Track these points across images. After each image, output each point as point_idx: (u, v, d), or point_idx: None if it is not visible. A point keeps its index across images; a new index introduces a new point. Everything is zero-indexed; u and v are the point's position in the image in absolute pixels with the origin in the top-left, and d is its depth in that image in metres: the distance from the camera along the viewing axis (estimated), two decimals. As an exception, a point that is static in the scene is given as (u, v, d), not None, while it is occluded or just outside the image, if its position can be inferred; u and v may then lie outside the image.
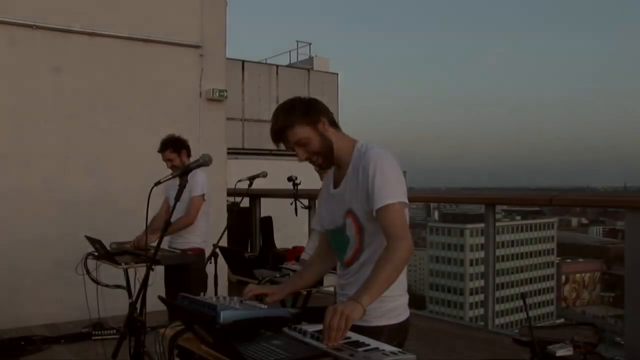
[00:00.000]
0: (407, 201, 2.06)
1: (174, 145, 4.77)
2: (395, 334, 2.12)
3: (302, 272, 2.50)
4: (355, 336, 1.86)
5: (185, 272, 4.53)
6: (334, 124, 2.17)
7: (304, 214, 7.14)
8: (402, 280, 2.12)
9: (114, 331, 5.71)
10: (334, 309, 1.78)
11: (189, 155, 4.84)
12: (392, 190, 2.02)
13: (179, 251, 4.57)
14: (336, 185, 2.22)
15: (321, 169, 2.31)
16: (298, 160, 2.20)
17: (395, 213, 2.01)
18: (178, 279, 4.65)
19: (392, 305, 2.13)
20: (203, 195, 4.69)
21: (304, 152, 2.14)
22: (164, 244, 4.67)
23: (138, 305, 2.80)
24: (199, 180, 4.63)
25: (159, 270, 5.42)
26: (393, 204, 2.01)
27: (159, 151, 4.82)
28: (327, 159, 2.17)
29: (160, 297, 2.14)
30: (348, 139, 2.20)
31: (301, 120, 2.09)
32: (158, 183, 2.96)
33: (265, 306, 2.10)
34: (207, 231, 4.87)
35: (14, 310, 6.40)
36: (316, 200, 2.45)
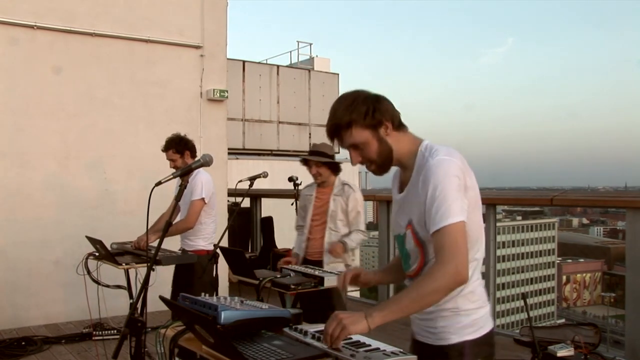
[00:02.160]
0: (463, 219, 1.78)
1: (177, 146, 4.73)
2: (478, 349, 1.94)
3: (392, 268, 2.23)
4: (356, 336, 1.86)
5: (193, 273, 4.55)
6: (399, 126, 1.94)
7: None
8: (478, 293, 1.94)
9: (115, 331, 5.71)
10: (335, 316, 1.73)
11: (193, 157, 4.79)
12: (447, 210, 1.77)
13: (179, 252, 4.58)
14: (401, 189, 2.01)
15: (374, 174, 2.04)
16: (351, 164, 2.00)
17: (447, 235, 1.76)
18: (185, 280, 4.66)
19: (469, 320, 1.92)
20: (203, 199, 4.65)
21: (357, 156, 1.93)
22: (178, 246, 4.80)
23: (139, 306, 2.79)
24: (199, 182, 4.60)
25: (160, 271, 5.41)
26: (447, 225, 1.76)
27: (162, 150, 4.80)
28: (383, 168, 1.96)
29: (161, 297, 2.14)
30: (412, 139, 1.96)
31: (361, 122, 1.87)
32: (159, 183, 2.96)
33: (267, 306, 2.10)
34: (214, 234, 4.85)
35: (14, 311, 6.40)
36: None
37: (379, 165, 1.95)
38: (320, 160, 4.35)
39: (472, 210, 1.85)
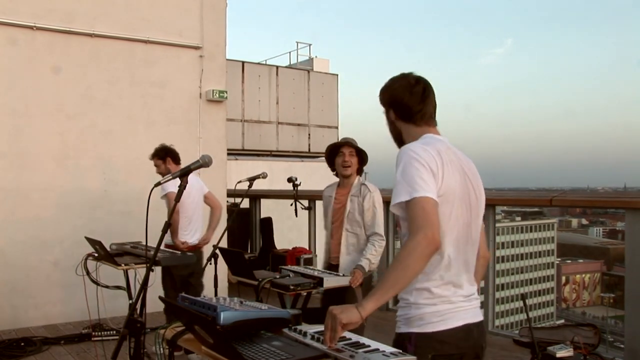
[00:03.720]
0: (427, 194, 1.88)
1: (158, 154, 5.36)
2: (425, 343, 1.95)
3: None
4: (355, 337, 1.86)
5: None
6: (406, 118, 2.16)
7: (304, 214, 7.14)
8: (435, 293, 1.97)
9: (114, 332, 5.71)
10: (330, 310, 1.79)
11: (175, 161, 5.36)
12: (408, 185, 1.90)
13: (179, 253, 4.60)
14: None
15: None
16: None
17: (413, 208, 1.87)
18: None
19: (418, 313, 1.97)
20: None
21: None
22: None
23: (138, 306, 2.79)
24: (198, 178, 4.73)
25: (159, 272, 5.44)
26: (411, 199, 1.88)
27: (149, 159, 5.42)
28: (396, 143, 2.22)
29: (160, 298, 2.14)
30: (420, 133, 2.14)
31: (381, 99, 2.22)
32: (158, 184, 2.96)
33: (266, 307, 2.10)
34: (184, 228, 5.26)
35: (13, 311, 6.40)
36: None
37: (394, 140, 2.23)
38: (355, 146, 4.21)
39: (442, 202, 1.93)
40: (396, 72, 2.21)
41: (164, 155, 5.37)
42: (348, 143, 4.22)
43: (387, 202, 7.04)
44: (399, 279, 1.80)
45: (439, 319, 1.96)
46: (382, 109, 2.22)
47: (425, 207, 1.86)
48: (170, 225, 2.71)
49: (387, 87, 2.17)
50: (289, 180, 5.79)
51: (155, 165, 5.39)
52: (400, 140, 2.17)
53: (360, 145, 4.27)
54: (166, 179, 2.78)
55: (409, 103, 2.12)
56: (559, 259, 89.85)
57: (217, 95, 7.61)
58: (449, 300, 1.99)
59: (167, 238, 5.10)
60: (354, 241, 4.17)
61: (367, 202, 4.15)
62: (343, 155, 4.20)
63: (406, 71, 2.18)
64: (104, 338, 5.60)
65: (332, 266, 4.26)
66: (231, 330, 1.83)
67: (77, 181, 6.82)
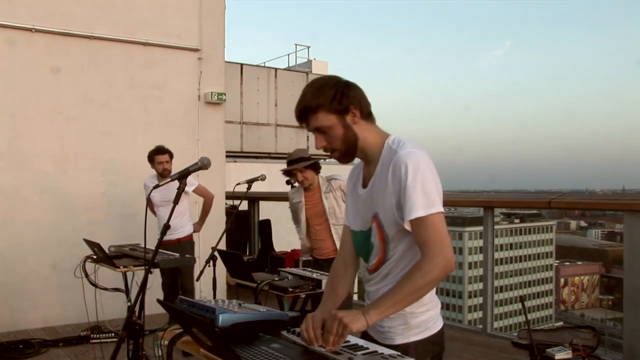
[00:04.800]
0: (442, 209, 1.79)
1: (170, 152, 5.70)
2: (424, 349, 1.93)
3: (334, 286, 2.15)
4: (354, 339, 1.86)
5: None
6: (368, 116, 1.92)
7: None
8: (429, 296, 1.91)
9: (113, 334, 5.70)
10: (335, 314, 1.73)
11: (151, 163, 5.67)
12: (427, 198, 1.77)
13: (177, 255, 4.60)
14: (365, 184, 1.98)
15: (338, 161, 2.02)
16: (315, 147, 1.96)
17: (431, 226, 1.76)
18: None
19: (417, 321, 1.93)
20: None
21: (322, 140, 1.91)
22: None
23: (137, 309, 2.79)
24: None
25: (158, 274, 5.44)
26: (428, 215, 1.76)
27: (157, 154, 5.70)
28: (346, 155, 1.94)
29: (159, 301, 2.13)
30: (380, 132, 1.95)
31: (328, 106, 1.86)
32: (157, 186, 2.96)
33: (265, 309, 2.10)
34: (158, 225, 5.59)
35: (12, 314, 6.39)
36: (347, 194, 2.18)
37: (343, 153, 1.93)
38: (302, 166, 4.43)
39: None
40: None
41: (172, 156, 5.72)
42: (293, 164, 4.44)
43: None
44: (407, 297, 1.76)
45: (433, 322, 1.96)
46: (321, 122, 1.89)
47: (444, 225, 1.78)
48: (170, 227, 2.71)
49: (337, 91, 1.87)
50: (288, 182, 5.78)
51: (163, 162, 5.60)
52: (355, 146, 1.92)
53: None
54: (164, 182, 2.78)
55: (365, 97, 1.93)
56: (558, 261, 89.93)
57: (216, 97, 7.61)
58: (437, 304, 2.00)
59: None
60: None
61: (340, 190, 4.45)
62: (297, 176, 4.48)
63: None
64: (103, 340, 5.60)
65: (325, 260, 4.52)
66: (229, 333, 1.83)
67: (75, 183, 6.82)
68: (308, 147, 16.29)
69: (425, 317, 1.94)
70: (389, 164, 1.84)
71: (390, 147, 1.88)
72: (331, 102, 1.85)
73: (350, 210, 2.08)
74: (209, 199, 6.03)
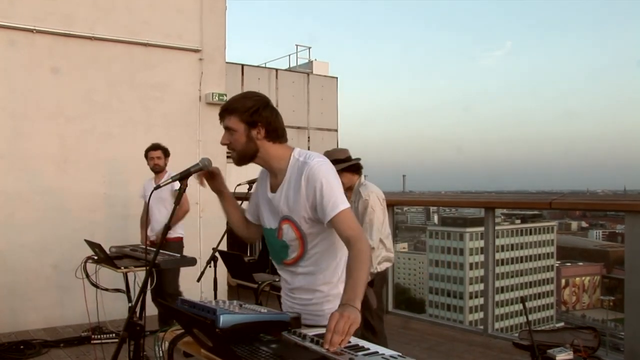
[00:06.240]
0: (349, 206, 2.14)
1: (165, 150, 5.78)
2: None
3: (237, 210, 2.59)
4: (354, 340, 1.86)
5: None
6: (275, 137, 2.21)
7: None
8: (326, 279, 2.23)
9: (114, 335, 5.71)
10: (340, 314, 1.79)
11: (146, 160, 5.73)
12: (340, 198, 2.11)
13: (178, 256, 4.60)
14: (273, 190, 2.29)
15: (233, 162, 2.36)
16: (220, 142, 2.27)
17: (348, 217, 2.09)
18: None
19: (332, 306, 2.10)
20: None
21: (227, 138, 2.23)
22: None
23: (137, 309, 2.79)
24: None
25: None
26: (344, 210, 2.09)
27: (152, 149, 5.80)
28: (240, 160, 2.27)
29: (159, 301, 2.13)
30: (285, 148, 2.25)
31: (241, 115, 2.17)
32: (158, 187, 2.96)
33: (265, 310, 2.09)
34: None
35: (13, 314, 6.40)
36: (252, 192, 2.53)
37: (239, 157, 2.25)
38: (339, 169, 4.19)
39: None
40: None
41: (168, 154, 5.77)
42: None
43: (390, 205, 7.06)
44: (365, 275, 1.98)
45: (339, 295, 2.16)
46: (231, 124, 2.19)
47: (351, 216, 2.13)
48: (170, 228, 2.71)
49: (253, 106, 2.18)
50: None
51: (156, 158, 5.68)
52: (251, 156, 2.23)
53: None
54: (166, 182, 2.78)
55: (278, 122, 2.23)
56: (559, 262, 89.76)
57: (217, 98, 7.62)
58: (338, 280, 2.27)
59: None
60: None
61: (360, 205, 4.08)
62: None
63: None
64: (104, 341, 5.60)
65: None
66: (230, 333, 1.83)
67: (76, 184, 6.83)
68: (309, 148, 16.32)
69: (340, 289, 2.12)
70: (300, 172, 2.16)
71: (297, 159, 2.20)
72: (244, 112, 2.17)
73: (264, 210, 2.37)
74: (183, 210, 5.61)
